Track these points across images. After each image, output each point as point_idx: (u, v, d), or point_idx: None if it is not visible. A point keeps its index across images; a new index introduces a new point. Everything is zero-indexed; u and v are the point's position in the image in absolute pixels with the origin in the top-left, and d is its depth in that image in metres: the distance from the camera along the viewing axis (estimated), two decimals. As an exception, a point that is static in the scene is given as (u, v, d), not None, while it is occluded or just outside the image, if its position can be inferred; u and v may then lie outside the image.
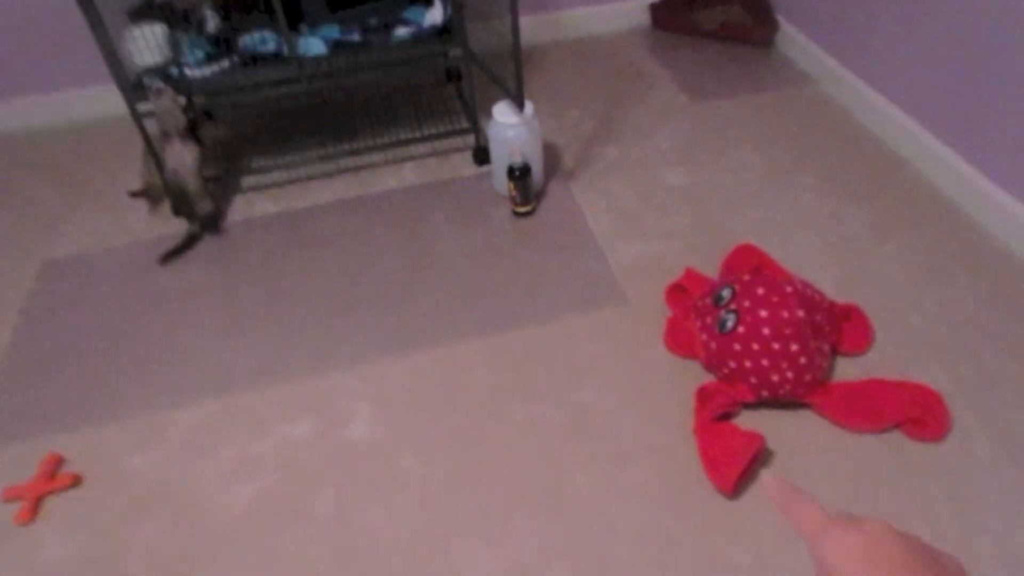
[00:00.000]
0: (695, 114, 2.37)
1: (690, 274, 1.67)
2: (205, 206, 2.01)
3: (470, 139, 2.24)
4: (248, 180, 2.21)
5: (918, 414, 1.39)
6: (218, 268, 1.94)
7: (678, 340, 1.58)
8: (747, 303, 1.43)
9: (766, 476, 0.45)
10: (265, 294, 1.84)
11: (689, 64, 2.64)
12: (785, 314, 1.39)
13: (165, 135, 1.92)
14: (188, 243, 2.01)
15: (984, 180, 1.83)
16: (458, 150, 2.27)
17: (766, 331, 1.39)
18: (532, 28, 2.78)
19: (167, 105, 1.86)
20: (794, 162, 2.11)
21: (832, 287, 1.69)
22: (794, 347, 1.38)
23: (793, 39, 2.59)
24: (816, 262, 1.78)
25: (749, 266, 1.68)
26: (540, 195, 2.06)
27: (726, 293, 1.49)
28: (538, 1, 2.75)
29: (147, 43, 1.83)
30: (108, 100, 2.52)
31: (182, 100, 1.89)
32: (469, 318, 1.72)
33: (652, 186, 2.07)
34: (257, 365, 1.66)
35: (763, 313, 1.40)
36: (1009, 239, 1.77)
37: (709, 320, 1.50)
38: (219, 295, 1.86)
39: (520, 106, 1.88)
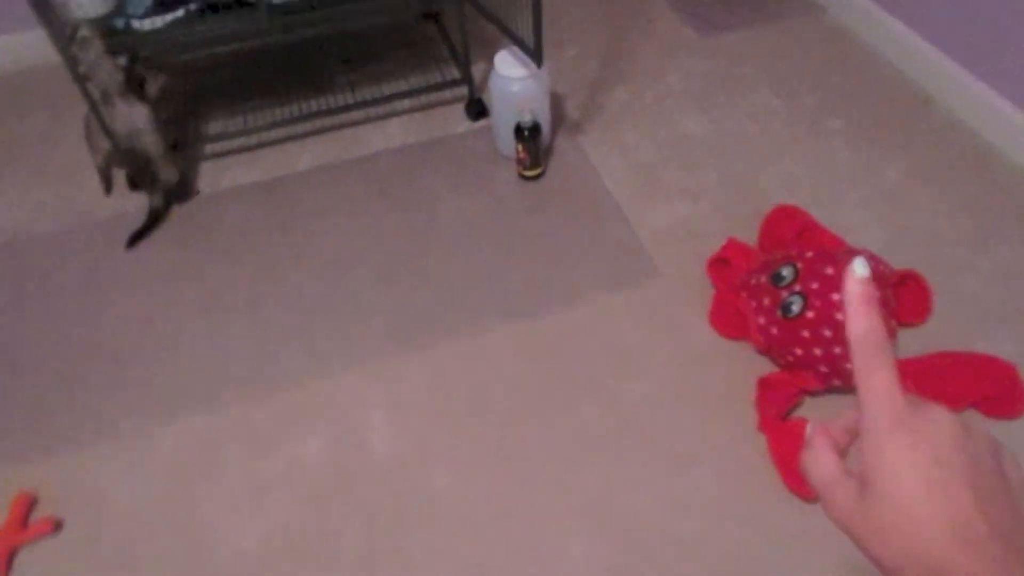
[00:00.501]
0: (704, 49, 2.15)
1: (733, 245, 1.50)
2: (170, 174, 1.75)
3: (462, 89, 1.99)
4: (212, 146, 1.93)
5: (993, 390, 1.28)
6: (189, 251, 1.70)
7: (726, 320, 1.43)
8: (815, 285, 1.28)
9: (857, 269, 0.38)
10: (247, 280, 1.62)
11: (688, -9, 2.40)
12: (860, 296, 1.24)
13: (105, 96, 1.64)
14: (154, 220, 1.76)
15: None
16: (449, 102, 2.02)
17: (840, 316, 1.24)
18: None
19: (96, 58, 1.57)
20: (818, 104, 1.93)
21: (879, 248, 1.55)
22: (870, 332, 1.23)
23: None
24: (857, 220, 1.63)
25: (792, 231, 1.52)
26: (548, 152, 1.84)
27: (787, 272, 1.33)
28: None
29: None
30: (42, 46, 2.18)
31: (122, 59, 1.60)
32: (487, 303, 1.53)
33: (670, 136, 1.88)
34: (249, 368, 1.46)
35: (835, 296, 1.25)
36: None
37: (767, 302, 1.34)
38: (194, 285, 1.62)
39: (538, 62, 1.64)
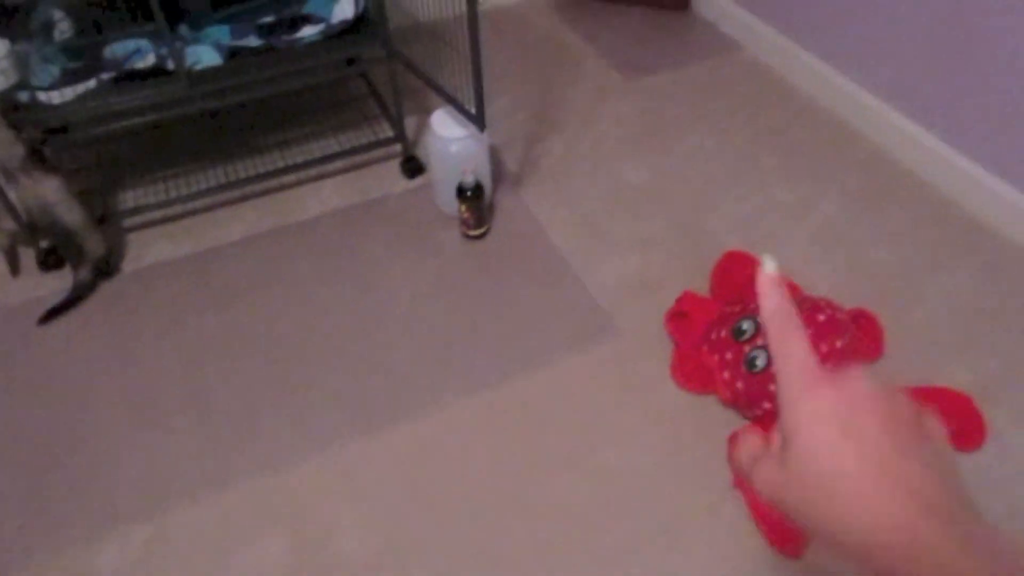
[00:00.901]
0: (632, 93, 2.17)
1: (689, 297, 1.50)
2: (96, 246, 1.62)
3: (396, 147, 1.93)
4: (135, 218, 1.80)
5: (953, 424, 1.31)
6: (114, 338, 1.57)
7: (690, 375, 1.42)
8: (780, 338, 1.28)
9: (767, 266, 0.39)
10: (183, 367, 1.51)
11: (609, 34, 2.43)
12: (823, 348, 1.25)
13: (6, 173, 1.51)
14: (78, 295, 1.63)
15: (947, 148, 1.76)
16: (383, 160, 1.96)
17: (806, 369, 1.24)
18: (434, 2, 2.47)
19: None
20: (749, 142, 1.97)
21: (828, 287, 1.57)
22: (837, 383, 1.24)
23: (711, 2, 2.43)
24: (803, 258, 1.66)
25: (744, 278, 1.53)
26: (490, 209, 1.81)
27: (747, 326, 1.33)
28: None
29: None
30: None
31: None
32: (444, 375, 1.47)
33: (611, 185, 1.87)
34: (192, 467, 1.34)
35: (802, 350, 1.25)
36: (984, 212, 1.72)
37: (731, 356, 1.34)
38: (120, 372, 1.50)
39: (481, 127, 1.60)
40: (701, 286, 1.58)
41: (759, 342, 1.31)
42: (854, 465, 0.32)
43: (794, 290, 1.50)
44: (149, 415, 1.43)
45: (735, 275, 1.54)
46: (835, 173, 1.87)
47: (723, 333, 1.38)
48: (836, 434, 0.33)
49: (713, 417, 1.38)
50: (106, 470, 1.35)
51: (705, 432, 1.35)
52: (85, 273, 1.63)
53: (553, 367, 1.47)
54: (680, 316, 1.49)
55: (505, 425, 1.38)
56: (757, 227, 1.74)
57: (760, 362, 1.29)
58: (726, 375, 1.34)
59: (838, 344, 1.26)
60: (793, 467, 0.34)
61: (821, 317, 1.29)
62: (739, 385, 1.32)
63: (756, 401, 1.30)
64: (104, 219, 1.69)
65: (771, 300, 0.38)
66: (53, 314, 1.60)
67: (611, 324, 1.55)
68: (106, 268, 1.68)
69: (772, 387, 1.27)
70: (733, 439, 1.30)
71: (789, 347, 0.37)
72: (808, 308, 1.32)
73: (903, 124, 1.85)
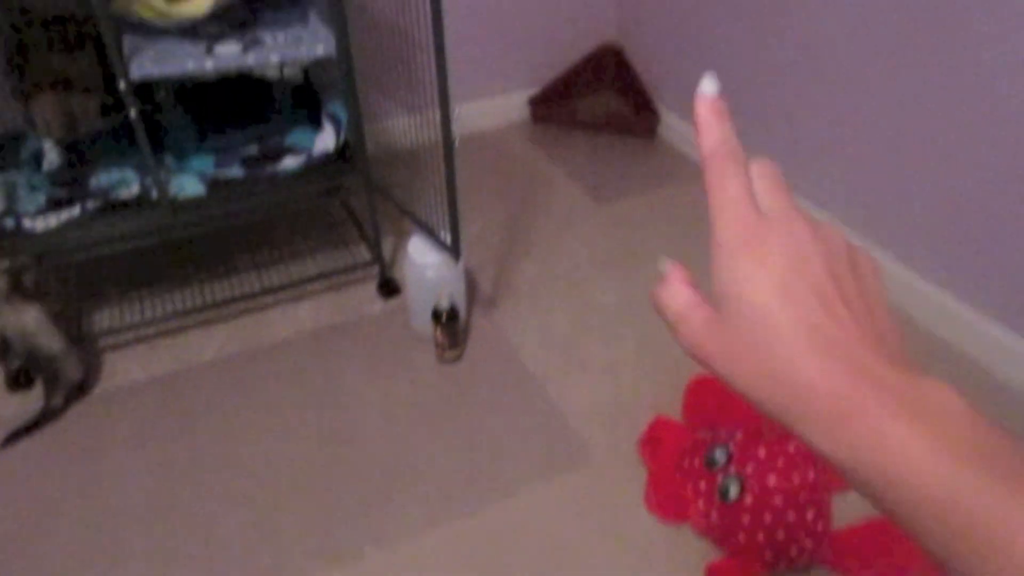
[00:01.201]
0: (603, 217, 2.26)
1: (661, 423, 1.52)
2: (74, 371, 1.61)
3: (373, 268, 1.98)
4: (107, 339, 1.80)
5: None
6: (78, 458, 1.54)
7: (664, 504, 1.42)
8: (750, 468, 1.29)
9: (706, 87, 0.35)
10: (143, 491, 1.47)
11: (580, 159, 2.54)
12: (796, 479, 1.26)
13: None
14: (46, 419, 1.61)
15: (924, 283, 1.84)
16: (360, 281, 2.00)
17: (778, 500, 1.25)
18: (413, 130, 2.58)
19: None
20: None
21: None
22: (810, 514, 1.25)
23: (678, 131, 2.58)
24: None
25: (714, 404, 1.55)
26: (464, 331, 1.84)
27: (720, 456, 1.35)
28: (415, 102, 2.57)
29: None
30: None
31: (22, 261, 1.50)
32: (415, 503, 1.45)
33: (583, 307, 1.92)
34: (156, 607, 1.29)
35: (772, 480, 1.27)
36: (965, 345, 1.78)
37: (704, 486, 1.34)
38: (81, 496, 1.46)
39: (456, 257, 1.66)
40: (672, 410, 1.60)
41: (732, 471, 1.32)
42: (789, 330, 0.31)
43: (741, 408, 1.53)
44: (106, 543, 1.38)
45: (706, 401, 1.57)
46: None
47: (696, 462, 1.39)
48: (775, 293, 0.31)
49: (688, 547, 1.37)
50: (60, 610, 1.29)
51: (680, 563, 1.34)
52: (58, 400, 1.61)
53: (525, 495, 1.46)
54: (653, 442, 1.50)
55: (473, 558, 1.36)
56: (725, 351, 1.78)
57: (733, 492, 1.30)
58: (700, 505, 1.35)
59: (810, 475, 1.27)
60: (726, 326, 0.33)
61: (791, 447, 1.31)
62: (713, 516, 1.32)
63: (730, 533, 1.30)
64: (81, 340, 1.68)
65: (712, 134, 0.36)
66: (16, 437, 1.57)
67: (584, 450, 1.55)
68: (79, 393, 1.66)
69: (745, 519, 1.28)
70: (710, 573, 1.29)
71: (727, 191, 0.34)
72: (778, 438, 1.34)
73: (890, 264, 1.93)
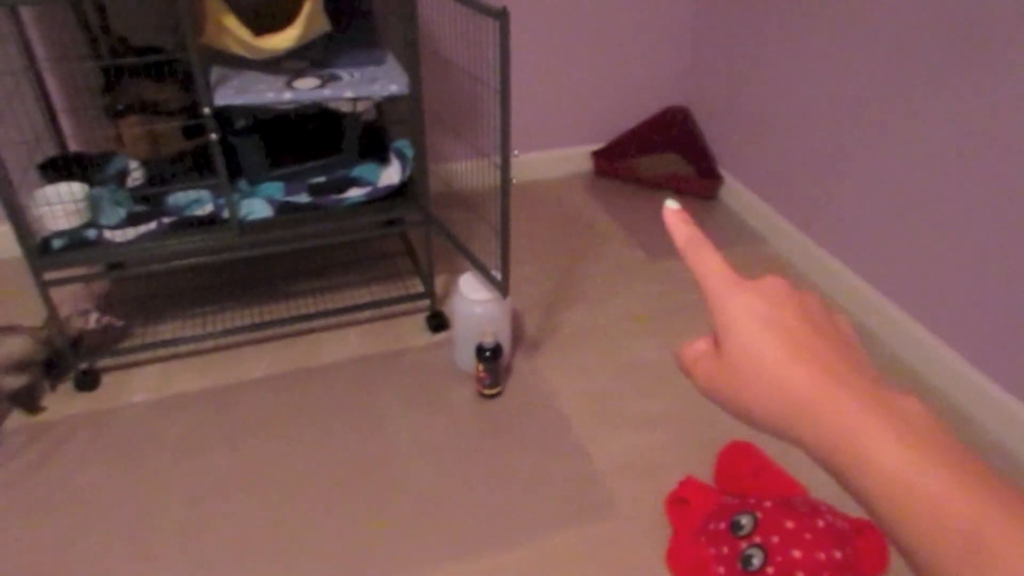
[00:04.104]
0: (655, 273, 2.27)
1: (691, 483, 1.50)
2: (12, 383, 1.69)
3: (424, 301, 2.03)
4: (164, 350, 1.89)
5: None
6: (123, 463, 1.61)
7: (685, 566, 1.39)
8: (775, 539, 1.27)
9: (669, 204, 0.44)
10: (182, 500, 1.53)
11: (638, 215, 2.57)
12: (822, 555, 1.23)
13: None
14: None
15: (963, 362, 1.78)
16: (410, 313, 2.06)
17: (801, 575, 1.22)
18: (474, 172, 2.66)
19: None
20: (765, 333, 2.02)
21: (831, 490, 1.55)
22: (832, 593, 1.21)
23: (738, 194, 2.58)
24: (806, 458, 1.65)
25: (748, 471, 1.53)
26: (506, 371, 1.86)
27: (746, 521, 1.32)
28: (479, 146, 2.65)
29: (61, 206, 1.54)
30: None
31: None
32: (438, 539, 1.47)
33: (625, 361, 1.92)
34: (179, 609, 1.34)
35: (796, 554, 1.24)
36: (1000, 430, 1.71)
37: (727, 551, 1.32)
38: (123, 500, 1.53)
39: (504, 294, 1.70)
40: (703, 471, 1.58)
41: (756, 539, 1.30)
42: (775, 348, 0.37)
43: (798, 490, 1.50)
44: (141, 547, 1.44)
45: (739, 466, 1.55)
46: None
47: (721, 525, 1.37)
48: (760, 326, 0.37)
49: (706, 613, 1.34)
50: (91, 600, 1.35)
51: (696, 629, 1.31)
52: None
53: (547, 541, 1.46)
54: (681, 502, 1.48)
55: (492, 598, 1.36)
56: (765, 417, 1.75)
57: (756, 561, 1.27)
58: (721, 570, 1.32)
59: (836, 555, 1.24)
60: (725, 360, 0.38)
61: (821, 523, 1.28)
62: (733, 583, 1.29)
63: (749, 602, 1.27)
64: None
65: (682, 231, 0.43)
66: None
67: (611, 502, 1.55)
68: (24, 401, 1.73)
69: (766, 589, 1.25)
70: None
71: (707, 265, 0.41)
72: (809, 512, 1.31)
73: (923, 335, 1.89)
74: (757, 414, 0.37)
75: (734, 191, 2.61)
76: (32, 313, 1.74)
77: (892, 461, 0.32)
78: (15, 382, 1.68)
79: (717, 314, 0.40)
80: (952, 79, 1.69)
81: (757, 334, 0.37)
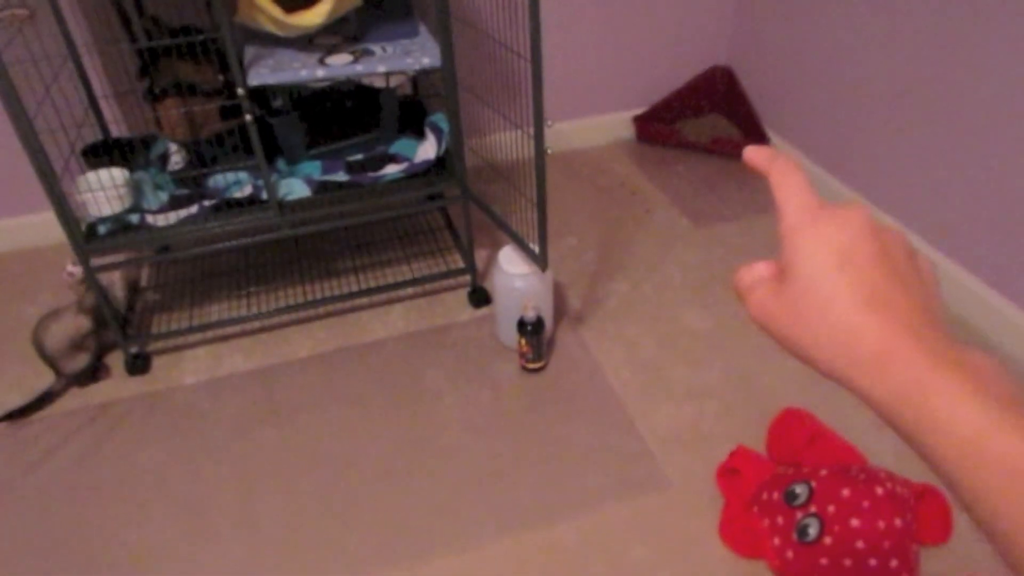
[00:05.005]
0: (701, 241, 2.21)
1: (742, 453, 1.46)
2: (74, 364, 1.75)
3: (465, 277, 2.02)
4: (213, 331, 1.92)
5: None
6: (178, 443, 1.64)
7: (739, 537, 1.36)
8: (831, 508, 1.23)
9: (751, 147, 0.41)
10: (236, 478, 1.56)
11: (682, 181, 2.50)
12: (881, 524, 1.19)
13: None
14: (42, 401, 1.73)
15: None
16: (452, 289, 2.04)
17: (860, 544, 1.18)
18: (510, 144, 2.62)
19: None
20: (817, 298, 1.95)
21: (892, 457, 1.51)
22: (894, 563, 1.17)
23: (786, 155, 2.49)
24: (867, 423, 1.60)
25: (802, 439, 1.48)
26: (550, 345, 1.84)
27: (801, 491, 1.29)
28: (513, 117, 2.60)
29: (104, 192, 1.56)
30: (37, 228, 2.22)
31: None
32: (486, 511, 1.46)
33: (672, 330, 1.88)
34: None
35: (854, 522, 1.20)
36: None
37: (781, 521, 1.29)
38: (180, 480, 1.56)
39: (543, 267, 1.67)
40: (755, 442, 1.54)
41: (812, 509, 1.26)
42: (847, 292, 0.34)
43: (856, 458, 1.45)
44: (199, 525, 1.47)
45: (792, 434, 1.50)
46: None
47: (775, 495, 1.33)
48: (834, 265, 0.35)
49: (761, 585, 1.31)
50: (149, 566, 1.38)
51: (752, 601, 1.29)
52: (58, 383, 1.75)
53: (596, 513, 1.45)
54: (732, 472, 1.45)
55: (540, 571, 1.35)
56: (819, 385, 1.70)
57: (812, 531, 1.23)
58: (776, 541, 1.29)
59: (897, 523, 1.19)
60: (789, 292, 0.37)
61: (880, 490, 1.23)
62: (789, 555, 1.26)
63: (807, 574, 1.23)
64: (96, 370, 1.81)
65: (764, 152, 0.41)
66: (10, 417, 1.70)
67: (660, 473, 1.52)
68: (83, 379, 1.78)
69: (823, 561, 1.21)
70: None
71: (791, 185, 0.39)
72: (866, 479, 1.27)
73: (981, 290, 1.81)
74: (816, 355, 0.36)
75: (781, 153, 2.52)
76: (65, 300, 1.78)
77: (966, 420, 0.30)
78: (77, 363, 1.73)
79: (788, 243, 0.38)
80: None
81: (830, 272, 0.35)
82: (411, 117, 1.92)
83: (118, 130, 2.03)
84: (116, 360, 1.85)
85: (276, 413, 1.70)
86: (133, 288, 1.90)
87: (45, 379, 1.76)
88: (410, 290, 2.03)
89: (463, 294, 2.02)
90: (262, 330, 1.94)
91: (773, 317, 0.38)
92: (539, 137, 1.49)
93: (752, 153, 0.41)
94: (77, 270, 1.65)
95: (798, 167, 0.40)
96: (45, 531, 1.47)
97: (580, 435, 1.61)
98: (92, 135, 1.83)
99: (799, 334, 0.36)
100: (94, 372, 1.79)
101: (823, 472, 1.30)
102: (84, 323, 1.72)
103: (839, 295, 0.35)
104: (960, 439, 0.30)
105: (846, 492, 1.24)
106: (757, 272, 0.40)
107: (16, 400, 1.73)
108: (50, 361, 1.72)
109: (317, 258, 2.15)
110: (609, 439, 1.60)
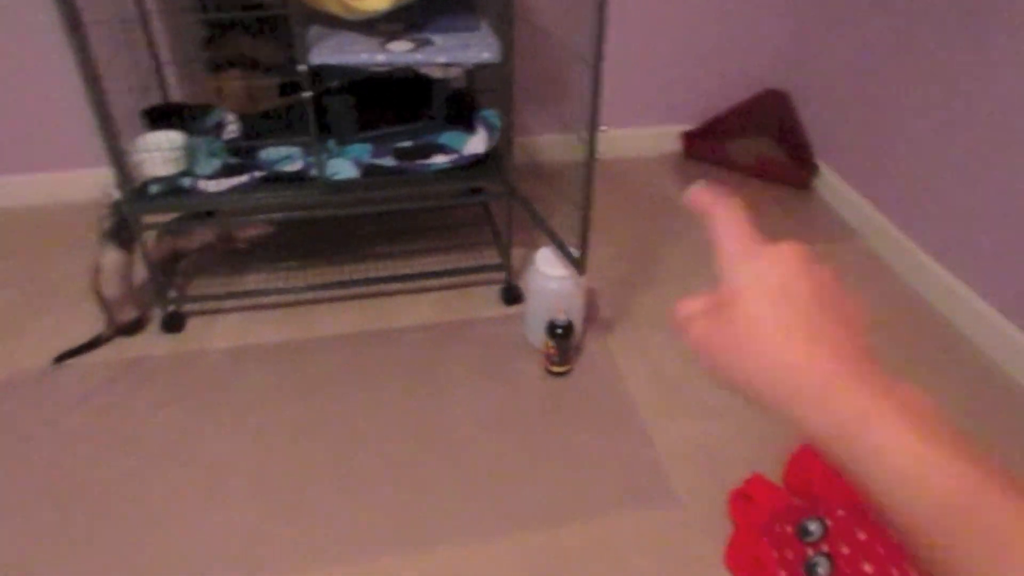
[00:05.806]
0: (738, 263, 2.19)
1: (758, 481, 1.45)
2: (123, 315, 1.80)
3: (499, 274, 2.03)
4: (245, 300, 1.95)
5: None
6: (200, 408, 1.67)
7: (744, 565, 1.36)
8: (845, 549, 1.22)
9: (696, 186, 0.42)
10: (253, 446, 1.58)
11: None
12: (895, 573, 1.17)
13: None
14: (92, 344, 1.80)
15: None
16: (484, 283, 2.06)
17: (868, 589, 1.17)
18: (559, 147, 2.63)
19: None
20: (850, 334, 1.93)
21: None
22: (901, 612, 1.16)
23: (834, 186, 2.46)
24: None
25: (821, 473, 1.47)
26: (576, 350, 1.84)
27: (815, 528, 1.28)
28: (566, 119, 2.61)
29: (160, 153, 1.60)
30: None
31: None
32: (495, 507, 1.48)
33: (699, 350, 1.87)
34: (240, 545, 1.39)
35: (867, 568, 1.19)
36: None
37: (791, 555, 1.28)
38: (200, 443, 1.59)
39: (581, 272, 1.68)
40: (769, 468, 1.53)
41: (824, 548, 1.25)
42: (783, 325, 0.36)
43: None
44: (214, 487, 1.50)
45: (812, 468, 1.49)
46: (936, 376, 1.80)
47: (788, 529, 1.32)
48: (772, 299, 0.36)
49: (762, 615, 1.30)
50: (158, 533, 1.41)
51: (751, 630, 1.28)
52: (109, 330, 1.80)
53: (601, 520, 1.45)
54: (746, 499, 1.44)
55: (541, 570, 1.36)
56: (843, 421, 1.68)
57: (822, 571, 1.22)
58: (782, 575, 1.28)
59: (911, 574, 1.18)
60: (730, 326, 0.37)
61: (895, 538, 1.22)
62: (794, 588, 1.25)
63: (810, 610, 1.23)
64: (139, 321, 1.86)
65: (706, 193, 0.42)
66: (64, 357, 1.77)
67: (671, 491, 1.52)
68: (131, 330, 1.84)
69: (828, 599, 1.20)
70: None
71: (724, 218, 0.40)
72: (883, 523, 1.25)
73: (1016, 336, 1.77)
74: (757, 386, 0.36)
75: (829, 183, 2.49)
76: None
77: (905, 451, 0.31)
78: (127, 314, 1.81)
79: (731, 273, 0.39)
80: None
81: (768, 307, 0.36)
82: (462, 110, 1.93)
83: (178, 96, 2.07)
84: (154, 318, 1.89)
85: (298, 387, 1.73)
86: (174, 256, 1.92)
87: (86, 326, 1.81)
88: (443, 280, 2.04)
89: (495, 290, 2.03)
90: (295, 304, 1.97)
91: (714, 349, 0.38)
92: (592, 143, 1.50)
93: (696, 194, 0.42)
94: (116, 193, 1.67)
95: (740, 206, 0.41)
96: (64, 477, 1.51)
97: (594, 442, 1.62)
98: (154, 99, 1.87)
99: (740, 366, 0.37)
100: (139, 323, 1.84)
101: (840, 512, 1.28)
102: (115, 254, 1.74)
103: (777, 327, 0.36)
104: (898, 470, 0.31)
105: (862, 535, 1.23)
106: (696, 305, 0.41)
107: (61, 345, 1.78)
108: (107, 306, 1.77)
109: (355, 240, 2.17)
110: (623, 449, 1.60)
